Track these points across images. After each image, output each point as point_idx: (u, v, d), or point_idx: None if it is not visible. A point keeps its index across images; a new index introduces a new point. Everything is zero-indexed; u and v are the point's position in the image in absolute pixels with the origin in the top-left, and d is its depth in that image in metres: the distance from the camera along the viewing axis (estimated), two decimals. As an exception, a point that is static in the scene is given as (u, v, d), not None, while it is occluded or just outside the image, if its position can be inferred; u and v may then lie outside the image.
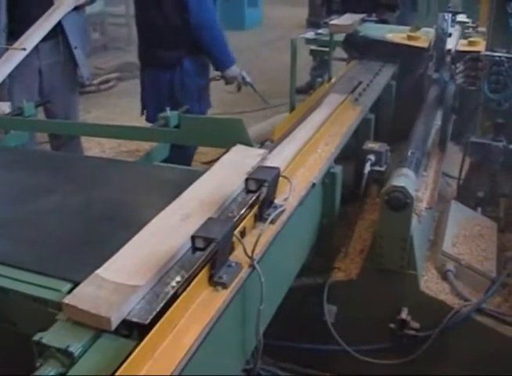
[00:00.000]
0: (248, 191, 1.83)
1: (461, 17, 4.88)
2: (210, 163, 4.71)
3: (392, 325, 2.44)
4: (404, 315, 2.43)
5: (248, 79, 3.98)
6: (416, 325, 2.44)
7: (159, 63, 3.92)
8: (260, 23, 12.46)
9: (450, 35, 4.01)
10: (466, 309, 2.43)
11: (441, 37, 3.83)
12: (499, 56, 2.94)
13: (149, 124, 3.71)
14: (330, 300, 2.51)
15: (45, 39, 3.68)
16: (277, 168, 1.92)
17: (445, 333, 2.42)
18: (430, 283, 2.52)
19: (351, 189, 2.75)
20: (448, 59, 3.85)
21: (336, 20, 3.35)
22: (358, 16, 3.40)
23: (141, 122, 4.15)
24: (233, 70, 3.94)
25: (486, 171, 3.19)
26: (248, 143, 2.29)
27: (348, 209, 2.89)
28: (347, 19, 3.32)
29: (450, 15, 4.11)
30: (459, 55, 3.73)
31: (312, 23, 9.12)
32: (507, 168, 3.28)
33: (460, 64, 3.14)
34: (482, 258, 2.73)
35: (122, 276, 1.46)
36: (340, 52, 4.65)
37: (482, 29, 4.32)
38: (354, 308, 2.51)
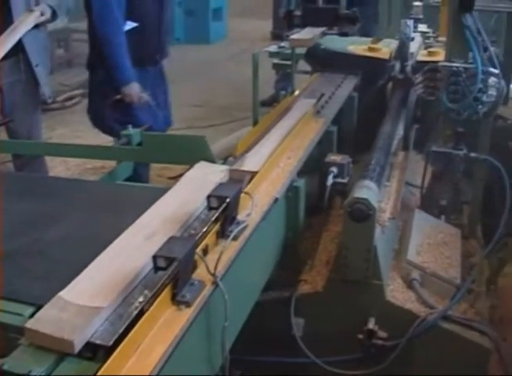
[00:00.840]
0: (210, 208, 1.84)
1: (422, 27, 4.96)
2: (177, 178, 4.73)
3: (360, 335, 2.46)
4: (371, 325, 2.45)
5: (147, 99, 3.92)
6: (383, 335, 2.45)
7: (93, 72, 3.97)
8: (225, 37, 12.52)
9: (413, 39, 4.09)
10: (432, 317, 2.46)
11: (405, 41, 3.90)
12: (457, 67, 2.99)
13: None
14: (298, 313, 2.52)
15: (5, 57, 3.66)
16: (239, 185, 1.93)
17: (412, 341, 2.45)
18: (396, 292, 2.54)
19: (316, 201, 2.76)
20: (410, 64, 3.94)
21: (296, 35, 3.38)
22: (318, 30, 3.43)
23: (106, 138, 4.15)
24: (130, 88, 3.87)
25: (448, 180, 3.23)
26: (211, 160, 2.30)
27: (314, 221, 2.91)
28: (307, 34, 3.35)
29: (412, 21, 4.19)
30: (420, 65, 3.79)
31: (276, 36, 9.18)
32: (469, 175, 3.34)
33: (419, 75, 3.18)
34: (447, 266, 2.76)
35: (85, 298, 1.46)
36: (304, 65, 4.70)
37: (443, 39, 4.39)
38: (321, 320, 2.53)
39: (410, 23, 4.10)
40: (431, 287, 2.63)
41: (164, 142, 2.51)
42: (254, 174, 2.26)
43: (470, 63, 3.01)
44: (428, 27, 5.18)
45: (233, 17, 13.62)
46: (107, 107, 3.87)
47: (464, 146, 3.15)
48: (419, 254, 2.74)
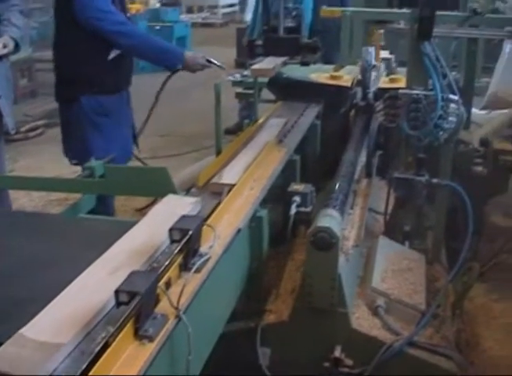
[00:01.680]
0: (172, 241, 1.86)
1: (384, 53, 5.04)
2: (144, 209, 4.73)
3: (326, 364, 2.47)
4: (337, 353, 2.46)
5: (210, 59, 3.96)
6: (349, 362, 2.47)
7: (59, 98, 3.96)
8: (189, 65, 12.58)
9: (375, 66, 4.16)
10: (398, 344, 2.48)
11: (366, 69, 3.97)
12: (417, 94, 3.05)
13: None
14: (264, 343, 2.53)
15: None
16: (200, 217, 1.95)
17: (379, 368, 2.46)
18: (361, 319, 2.56)
19: (280, 230, 2.79)
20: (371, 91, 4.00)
21: (257, 65, 3.41)
22: (280, 59, 3.47)
23: (71, 168, 4.14)
24: (190, 59, 3.91)
25: (411, 206, 3.27)
26: (173, 191, 2.31)
27: (278, 250, 2.93)
28: (268, 63, 3.39)
29: (374, 48, 4.26)
30: (382, 92, 3.85)
31: (241, 64, 9.28)
32: (431, 201, 3.39)
33: (380, 102, 3.23)
34: (411, 292, 2.79)
35: (47, 335, 1.46)
36: (268, 93, 4.74)
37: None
38: (288, 349, 2.54)
39: (371, 50, 4.18)
40: (397, 314, 2.65)
41: (126, 174, 2.52)
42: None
43: (430, 90, 3.07)
44: (391, 53, 5.27)
45: (198, 45, 13.69)
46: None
47: (426, 172, 3.19)
48: (383, 281, 2.77)
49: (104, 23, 3.67)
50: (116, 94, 3.97)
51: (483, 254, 3.95)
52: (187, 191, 2.59)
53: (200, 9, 20.72)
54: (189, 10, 20.59)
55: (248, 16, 11.35)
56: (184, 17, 16.89)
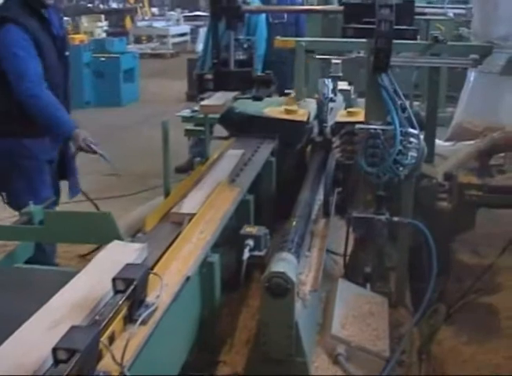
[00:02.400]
0: (116, 291, 1.86)
1: (342, 84, 5.11)
2: (88, 255, 4.69)
3: (285, 418, 2.47)
4: (297, 406, 2.47)
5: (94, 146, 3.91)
6: (310, 416, 2.47)
7: None
8: (137, 99, 12.57)
9: (332, 100, 4.23)
10: (360, 394, 2.50)
11: (323, 102, 4.03)
12: (374, 129, 3.09)
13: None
14: (218, 397, 2.52)
15: None
16: (146, 265, 1.96)
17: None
18: (321, 369, 2.57)
19: (234, 275, 2.80)
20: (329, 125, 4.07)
21: (206, 100, 3.44)
22: (230, 94, 3.51)
23: (10, 212, 4.10)
24: (77, 137, 3.86)
25: (372, 246, 3.31)
26: (118, 237, 2.32)
27: (232, 297, 2.94)
28: (218, 99, 3.42)
29: (330, 80, 4.33)
30: (339, 126, 3.92)
31: (192, 97, 9.32)
32: (393, 240, 3.44)
33: (337, 138, 3.28)
34: (374, 338, 2.82)
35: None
36: (220, 129, 4.78)
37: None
38: (243, 403, 2.53)
39: (328, 81, 4.25)
40: (359, 362, 2.67)
41: (67, 221, 2.51)
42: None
43: (389, 125, 3.11)
44: (350, 84, 5.35)
45: (146, 78, 13.72)
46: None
47: (386, 210, 3.24)
48: (344, 328, 2.79)
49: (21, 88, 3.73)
50: (39, 138, 3.94)
51: (450, 294, 3.98)
52: (133, 235, 2.60)
53: (149, 39, 20.80)
54: (137, 40, 20.69)
55: (200, 47, 11.46)
56: (132, 48, 16.95)
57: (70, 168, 4.28)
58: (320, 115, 4.17)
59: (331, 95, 4.22)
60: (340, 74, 4.74)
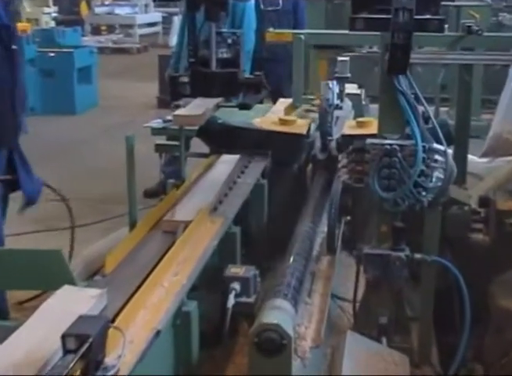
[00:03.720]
0: (67, 351, 1.86)
1: (351, 88, 5.14)
2: (29, 302, 4.68)
3: None
4: None
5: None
6: None
7: None
8: (96, 105, 12.57)
9: (338, 107, 4.24)
10: None
11: (326, 110, 4.05)
12: (390, 144, 3.10)
13: None
14: None
15: None
16: (105, 317, 1.96)
17: None
18: None
19: (217, 326, 2.81)
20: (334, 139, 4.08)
21: (182, 109, 3.46)
22: (211, 102, 3.53)
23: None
24: None
25: (388, 290, 3.31)
26: (70, 281, 2.33)
27: (215, 352, 2.95)
28: (197, 107, 3.44)
29: (336, 82, 4.35)
30: (347, 140, 3.93)
31: (165, 103, 9.34)
32: (415, 283, 3.44)
33: (343, 156, 3.30)
34: (392, 407, 2.83)
35: None
36: (200, 144, 4.80)
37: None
38: None
39: (333, 84, 4.28)
40: None
41: (6, 260, 2.52)
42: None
43: (408, 138, 3.13)
44: (360, 87, 5.39)
45: (107, 79, 13.76)
46: None
47: (406, 244, 3.24)
48: (353, 392, 2.80)
49: None
50: None
51: (488, 350, 3.98)
52: (90, 278, 2.61)
53: (111, 30, 20.83)
54: (96, 31, 20.72)
55: (174, 40, 11.47)
56: (88, 40, 17.02)
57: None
58: (323, 127, 4.19)
59: (337, 102, 4.25)
60: (348, 75, 4.74)
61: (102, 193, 7.81)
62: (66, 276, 2.37)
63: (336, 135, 4.19)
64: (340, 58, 4.80)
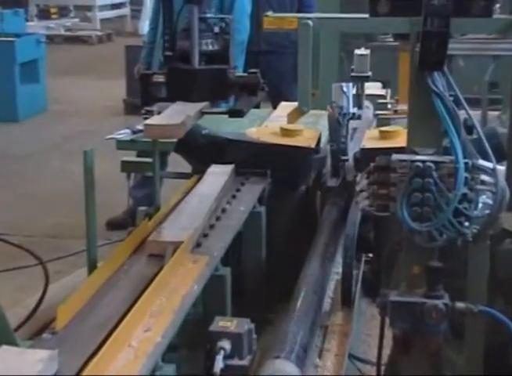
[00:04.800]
0: None
1: (372, 88, 5.16)
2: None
3: None
4: None
5: None
6: None
7: None
8: (45, 110, 12.56)
9: (355, 117, 4.25)
10: None
11: (339, 121, 4.06)
12: (422, 161, 3.10)
13: None
14: None
15: None
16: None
17: None
18: None
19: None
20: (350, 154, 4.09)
21: (155, 117, 3.44)
22: (194, 107, 3.53)
23: None
24: None
25: (422, 349, 3.32)
26: (10, 340, 2.34)
27: None
28: (175, 115, 3.42)
29: (351, 85, 4.36)
30: (367, 155, 3.93)
31: (134, 108, 9.32)
32: (456, 339, 3.44)
33: (362, 176, 3.30)
34: None
35: None
36: (180, 160, 4.82)
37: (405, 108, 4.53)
38: None
39: (348, 87, 4.29)
40: None
41: None
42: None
43: (445, 154, 3.14)
44: (384, 87, 5.41)
45: (58, 76, 13.78)
46: None
47: (445, 290, 3.25)
48: None
49: None
50: None
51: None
52: (37, 336, 2.62)
53: (63, 13, 20.82)
54: (43, 14, 20.65)
55: (145, 27, 11.47)
56: (34, 26, 17.00)
57: None
58: (335, 144, 4.20)
59: (353, 110, 4.25)
60: (369, 74, 4.70)
61: (51, 224, 7.81)
62: (6, 333, 2.38)
63: (353, 150, 4.21)
64: (358, 51, 4.79)
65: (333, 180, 4.14)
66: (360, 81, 4.51)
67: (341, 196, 3.97)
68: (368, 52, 4.72)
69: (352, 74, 4.57)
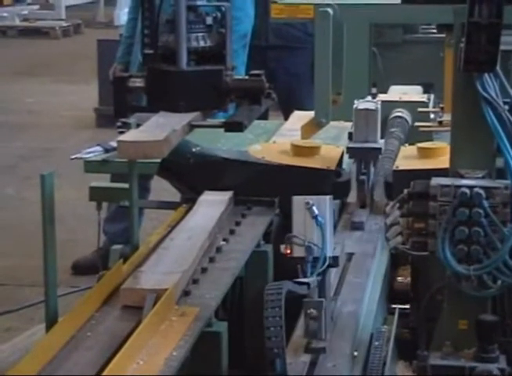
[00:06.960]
0: None
1: (412, 92, 5.20)
2: None
3: None
4: None
5: None
6: None
7: None
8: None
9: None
10: None
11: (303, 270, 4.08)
12: (469, 186, 3.10)
13: None
14: None
15: None
16: None
17: None
18: None
19: None
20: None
21: (133, 132, 3.43)
22: (181, 119, 3.53)
23: None
24: None
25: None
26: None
27: None
28: (157, 129, 3.41)
29: (330, 199, 4.13)
30: (400, 179, 3.95)
31: (107, 118, 9.34)
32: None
33: (394, 205, 3.30)
34: None
35: None
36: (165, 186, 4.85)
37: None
38: None
39: (324, 203, 4.18)
40: None
41: None
42: None
43: (500, 176, 3.14)
44: (426, 91, 5.44)
45: (12, 78, 13.85)
46: None
47: (501, 351, 3.24)
48: None
49: None
50: None
51: None
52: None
53: (19, -1, 20.98)
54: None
55: (122, 17, 11.49)
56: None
57: None
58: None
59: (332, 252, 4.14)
60: (379, 146, 4.54)
61: (1, 267, 7.84)
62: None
63: (383, 169, 4.23)
64: (360, 104, 4.63)
65: (360, 213, 4.12)
66: (364, 156, 4.54)
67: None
68: (378, 105, 4.66)
69: (350, 146, 4.57)
